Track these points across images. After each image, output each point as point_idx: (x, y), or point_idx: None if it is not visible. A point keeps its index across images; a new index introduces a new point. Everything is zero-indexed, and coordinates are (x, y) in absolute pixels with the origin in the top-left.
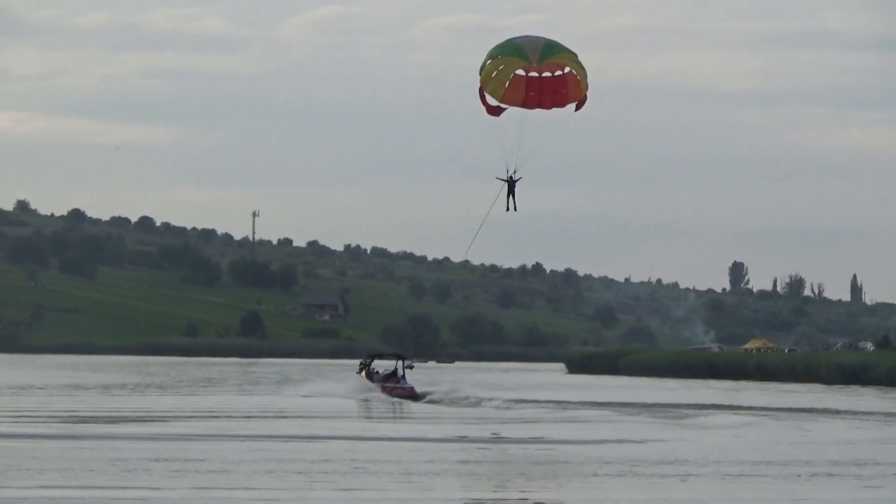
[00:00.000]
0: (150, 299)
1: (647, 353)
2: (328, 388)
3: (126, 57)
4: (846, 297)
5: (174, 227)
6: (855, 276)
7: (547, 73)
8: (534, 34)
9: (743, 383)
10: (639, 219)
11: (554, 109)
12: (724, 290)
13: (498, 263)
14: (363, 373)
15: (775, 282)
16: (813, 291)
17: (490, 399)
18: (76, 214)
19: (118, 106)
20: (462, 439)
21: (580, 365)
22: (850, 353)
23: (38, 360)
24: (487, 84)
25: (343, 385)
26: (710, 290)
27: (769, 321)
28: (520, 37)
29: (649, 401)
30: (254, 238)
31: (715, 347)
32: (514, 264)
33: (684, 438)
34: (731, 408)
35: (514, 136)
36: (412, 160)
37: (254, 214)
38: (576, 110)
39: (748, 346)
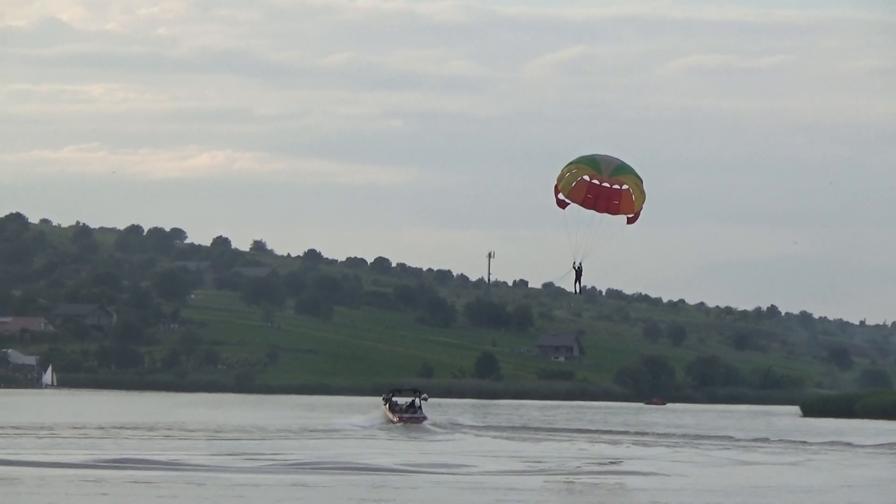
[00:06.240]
0: (386, 340)
1: (884, 396)
2: (355, 420)
3: (368, 97)
4: None
5: (410, 268)
6: None
7: (606, 184)
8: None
9: None
10: (874, 261)
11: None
12: None
13: (733, 305)
14: (387, 405)
15: None
16: None
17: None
18: (312, 255)
19: (358, 146)
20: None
21: (815, 408)
22: None
23: (276, 399)
24: (560, 181)
25: (366, 417)
26: None
27: None
28: (603, 154)
29: None
30: (489, 279)
31: None
32: (750, 306)
33: None
34: None
35: (581, 233)
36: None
37: (489, 255)
38: (628, 223)
39: None
